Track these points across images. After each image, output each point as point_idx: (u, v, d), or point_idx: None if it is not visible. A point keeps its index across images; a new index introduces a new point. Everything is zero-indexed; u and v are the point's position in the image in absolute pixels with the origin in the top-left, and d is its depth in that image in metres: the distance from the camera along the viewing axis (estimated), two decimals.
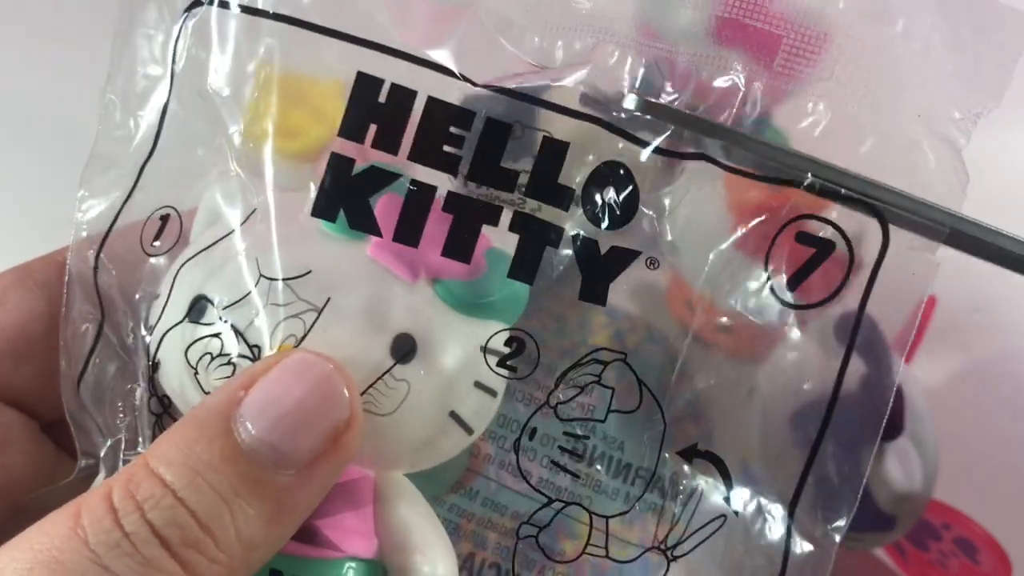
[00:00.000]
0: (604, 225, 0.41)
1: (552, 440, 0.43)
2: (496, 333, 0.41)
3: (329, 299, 0.39)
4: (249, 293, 0.40)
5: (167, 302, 0.42)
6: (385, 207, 0.40)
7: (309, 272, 0.40)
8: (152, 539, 0.34)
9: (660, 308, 0.45)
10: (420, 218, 0.40)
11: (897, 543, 0.74)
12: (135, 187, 0.44)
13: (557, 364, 0.42)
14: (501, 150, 0.40)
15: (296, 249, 0.40)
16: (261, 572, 0.37)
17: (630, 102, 0.41)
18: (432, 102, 0.40)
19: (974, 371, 0.81)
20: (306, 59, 0.42)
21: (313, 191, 0.41)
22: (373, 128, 0.40)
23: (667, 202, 0.42)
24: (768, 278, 0.42)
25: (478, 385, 0.41)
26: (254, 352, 0.39)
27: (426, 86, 0.40)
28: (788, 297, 0.42)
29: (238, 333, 0.39)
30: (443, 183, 0.41)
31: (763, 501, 0.43)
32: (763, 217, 0.42)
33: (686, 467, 0.43)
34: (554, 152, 0.41)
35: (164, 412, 0.42)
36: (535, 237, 0.41)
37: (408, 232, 0.40)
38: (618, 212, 0.41)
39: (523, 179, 0.41)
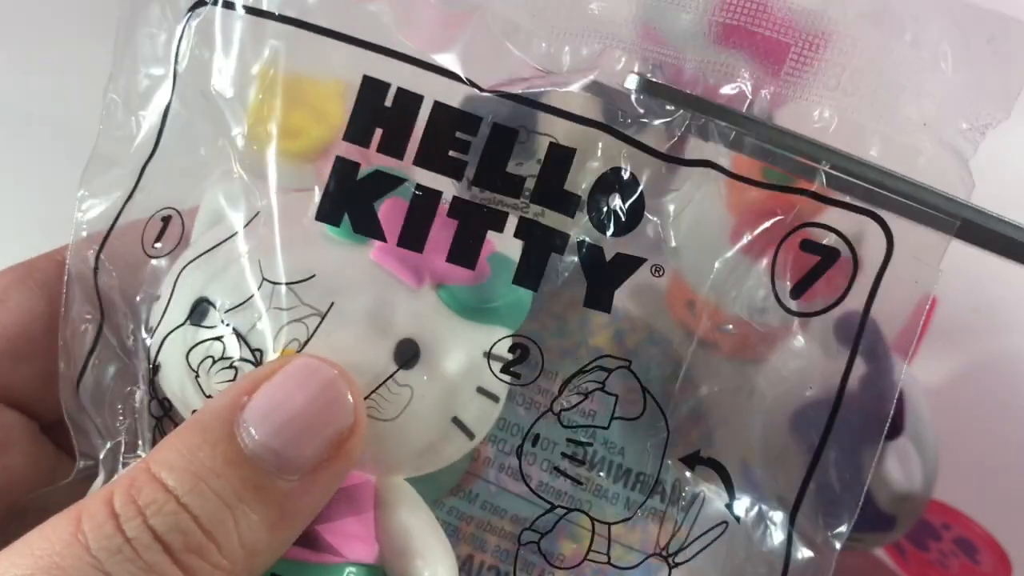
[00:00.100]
0: (609, 232, 0.41)
1: (554, 445, 0.43)
2: (500, 340, 0.41)
3: (333, 304, 0.39)
4: (252, 296, 0.39)
5: (168, 304, 0.41)
6: (389, 211, 0.40)
7: (313, 276, 0.39)
8: (154, 545, 0.34)
9: (660, 309, 0.45)
10: (425, 223, 0.40)
11: (897, 543, 0.74)
12: (136, 187, 0.44)
13: (560, 369, 0.42)
14: (507, 155, 0.40)
15: (300, 253, 0.40)
16: None
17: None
18: (438, 107, 0.40)
19: (974, 371, 0.81)
20: (311, 62, 0.42)
21: (317, 194, 0.40)
22: (379, 132, 0.40)
23: (671, 208, 0.42)
24: (772, 285, 0.42)
25: (481, 391, 0.41)
26: (256, 356, 0.39)
27: (432, 91, 0.40)
28: (792, 305, 0.42)
29: (240, 337, 0.39)
30: (448, 188, 0.40)
31: (764, 507, 0.43)
32: (768, 224, 0.42)
33: (688, 473, 0.43)
34: (560, 158, 0.41)
35: (164, 415, 0.42)
36: (540, 243, 0.41)
37: (413, 237, 0.40)
38: (623, 219, 0.41)
39: (529, 184, 0.40)
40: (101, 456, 0.43)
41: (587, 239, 0.41)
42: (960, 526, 0.73)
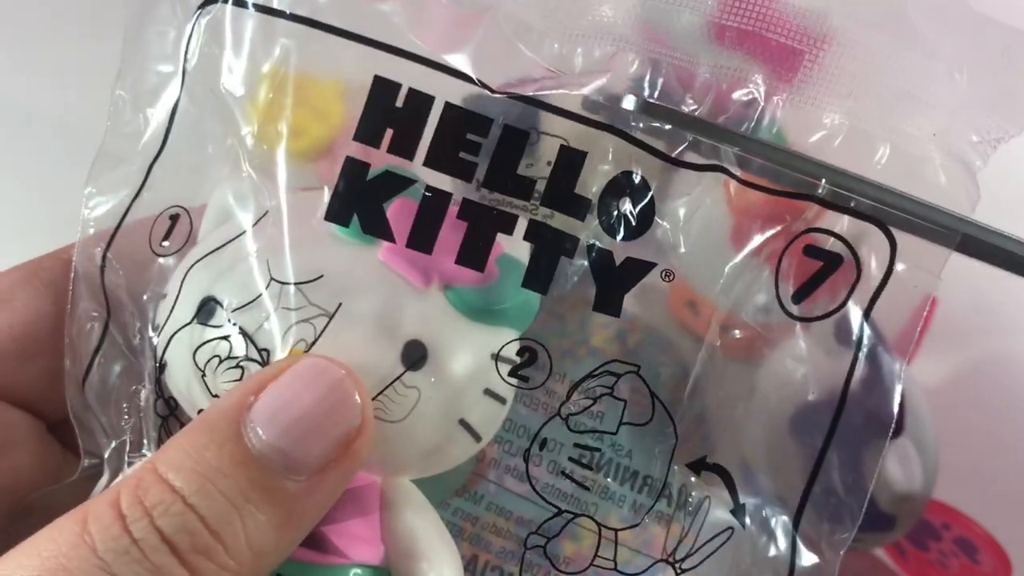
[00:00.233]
0: (620, 236, 0.41)
1: (561, 447, 0.43)
2: (509, 343, 0.41)
3: (340, 304, 0.39)
4: (259, 296, 0.39)
5: (175, 303, 0.41)
6: (398, 212, 0.40)
7: (321, 276, 0.39)
8: (161, 546, 0.34)
9: (661, 309, 0.45)
10: (434, 225, 0.40)
11: (897, 543, 0.74)
12: (144, 185, 0.43)
13: (567, 370, 0.42)
14: (518, 157, 0.40)
15: (308, 253, 0.40)
16: None
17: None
18: (450, 108, 0.40)
19: (974, 371, 0.81)
20: (322, 61, 0.41)
21: (327, 194, 0.40)
22: (389, 132, 0.40)
23: (682, 212, 0.41)
24: (776, 290, 0.42)
25: (488, 393, 0.41)
26: (263, 356, 0.39)
27: (443, 91, 0.40)
28: (794, 309, 0.42)
29: (247, 336, 0.39)
30: (457, 189, 0.40)
31: (768, 513, 0.43)
32: (776, 229, 0.42)
33: (693, 479, 0.43)
34: (571, 161, 0.40)
35: (170, 414, 0.42)
36: (550, 247, 0.41)
37: (422, 238, 0.40)
38: (634, 223, 0.41)
39: (539, 186, 0.40)
40: (106, 455, 0.43)
41: (597, 243, 0.41)
42: (960, 526, 0.73)
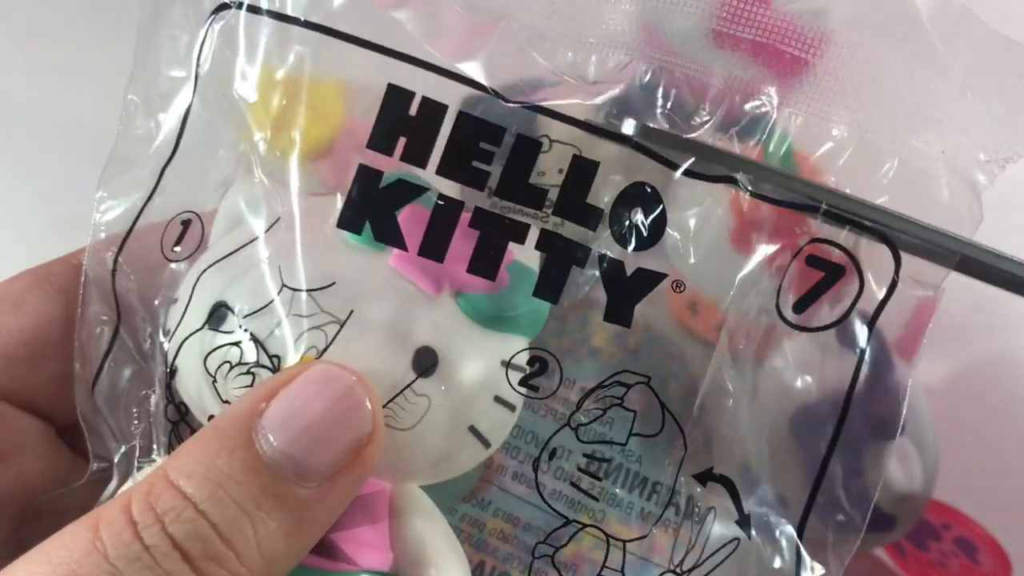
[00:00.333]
0: (631, 247, 0.41)
1: (569, 453, 0.43)
2: (519, 351, 0.41)
3: (352, 312, 0.39)
4: (271, 302, 0.39)
5: (187, 308, 0.41)
6: (410, 219, 0.40)
7: (333, 284, 0.39)
8: (173, 552, 0.34)
9: (661, 310, 0.45)
10: (446, 233, 0.40)
11: (897, 543, 0.74)
12: (155, 190, 0.43)
13: (572, 374, 0.42)
14: (531, 167, 0.40)
15: (320, 260, 0.40)
16: None
17: (628, 127, 0.40)
18: (463, 117, 0.40)
19: (974, 371, 0.81)
20: (335, 68, 0.41)
21: (339, 201, 0.40)
22: (402, 141, 0.40)
23: (692, 223, 0.41)
24: (778, 299, 0.42)
25: (498, 400, 0.41)
26: (274, 362, 0.39)
27: (457, 100, 0.40)
28: (796, 319, 0.42)
29: (258, 342, 0.39)
30: (469, 198, 0.40)
31: (773, 524, 0.43)
32: (784, 241, 0.42)
33: (699, 489, 0.43)
34: (583, 171, 0.41)
35: (181, 420, 0.42)
36: (561, 256, 0.41)
37: (434, 247, 0.40)
38: (645, 233, 0.41)
39: (552, 195, 0.40)
40: (115, 460, 0.43)
41: (608, 253, 0.41)
42: (960, 526, 0.73)
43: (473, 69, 0.40)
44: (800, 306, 0.42)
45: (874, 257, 0.41)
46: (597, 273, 0.41)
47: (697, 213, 0.42)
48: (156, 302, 0.43)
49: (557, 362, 0.41)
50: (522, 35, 0.41)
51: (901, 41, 0.40)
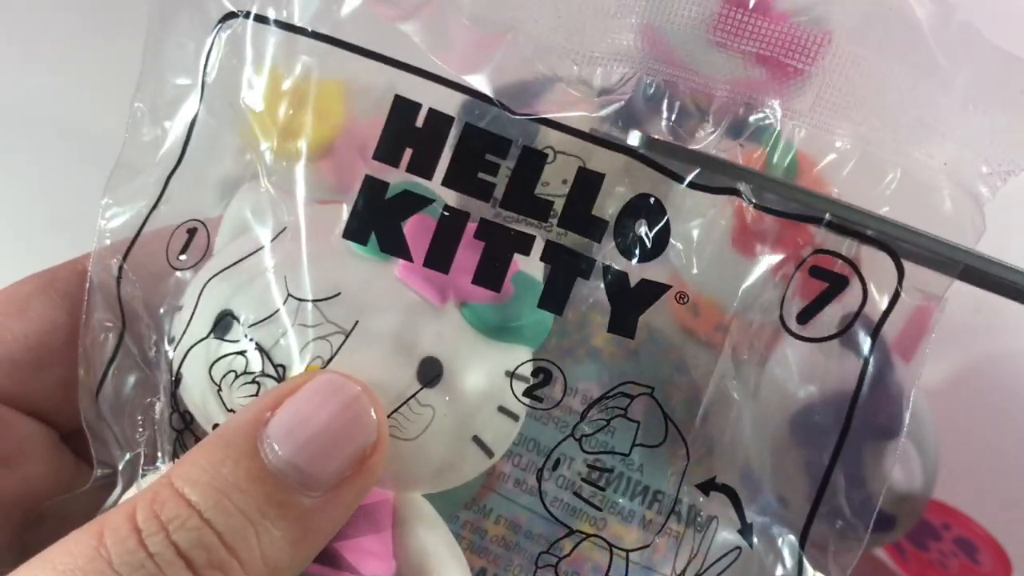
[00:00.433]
0: (635, 258, 0.41)
1: (571, 461, 0.43)
2: (524, 362, 0.41)
3: (357, 322, 0.39)
4: (277, 312, 0.39)
5: (192, 316, 0.41)
6: (415, 229, 0.40)
7: (338, 294, 0.39)
8: (177, 561, 0.34)
9: (662, 311, 0.45)
10: (452, 244, 0.40)
11: (897, 543, 0.74)
12: (161, 198, 0.43)
13: (577, 378, 0.42)
14: (536, 178, 0.40)
15: (325, 270, 0.40)
16: None
17: (633, 139, 0.41)
18: (469, 129, 0.40)
19: (974, 371, 0.81)
20: (344, 79, 0.41)
21: (345, 211, 0.40)
22: (408, 152, 0.40)
23: (696, 234, 0.42)
24: (781, 309, 0.42)
25: (502, 410, 0.41)
26: (279, 372, 0.39)
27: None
28: (800, 330, 0.42)
29: (263, 352, 0.39)
30: (475, 209, 0.41)
31: (775, 533, 0.43)
32: (788, 252, 0.42)
33: (702, 499, 0.43)
34: (588, 183, 0.41)
35: (185, 428, 0.42)
36: (566, 267, 0.41)
37: (439, 258, 0.40)
38: (649, 245, 0.41)
39: (557, 207, 0.40)
40: (120, 467, 0.43)
41: (613, 265, 0.41)
42: (960, 526, 0.73)
43: (480, 81, 0.40)
44: (804, 316, 0.42)
45: (877, 267, 0.41)
46: (601, 285, 0.41)
47: (701, 224, 0.42)
48: (161, 310, 0.43)
49: (561, 372, 0.42)
50: (528, 48, 0.41)
51: (904, 54, 0.40)
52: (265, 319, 0.39)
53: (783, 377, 0.44)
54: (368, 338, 0.39)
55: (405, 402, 0.39)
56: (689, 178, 0.41)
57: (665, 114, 0.41)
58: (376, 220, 0.40)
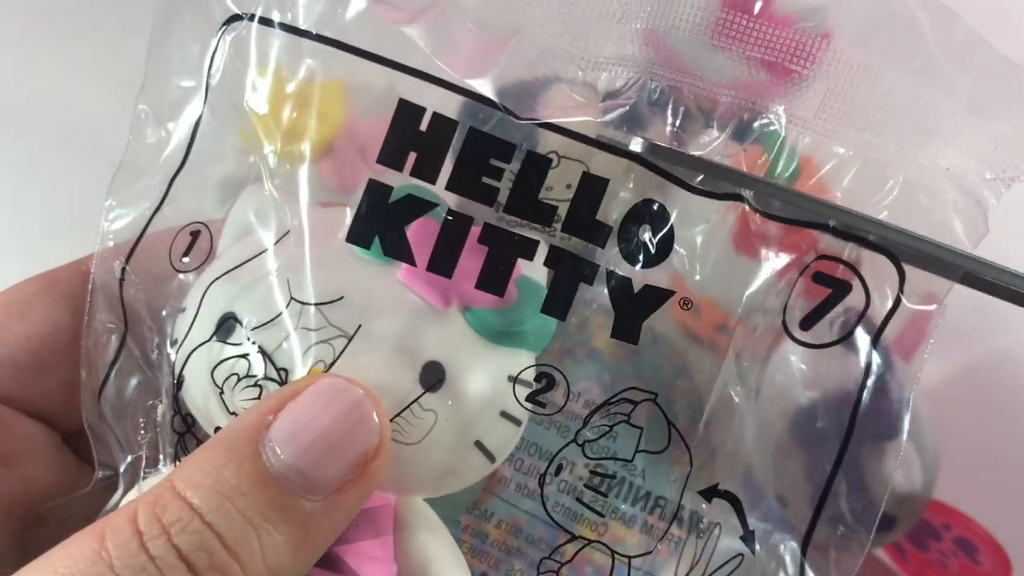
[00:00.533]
0: (639, 264, 0.41)
1: (573, 466, 0.43)
2: (527, 367, 0.41)
3: (360, 326, 0.39)
4: (279, 315, 0.39)
5: (195, 319, 0.41)
6: (419, 233, 0.40)
7: (341, 298, 0.39)
8: (179, 564, 0.34)
9: (664, 314, 0.45)
10: (455, 248, 0.40)
11: (897, 543, 0.74)
12: (164, 199, 0.43)
13: (578, 379, 0.42)
14: (541, 183, 0.40)
15: (329, 273, 0.40)
16: None
17: (637, 145, 0.40)
18: (473, 133, 0.40)
19: (974, 371, 0.81)
20: (346, 82, 0.41)
21: (349, 215, 0.40)
22: (412, 156, 0.40)
23: (699, 240, 0.42)
24: (784, 315, 0.42)
25: (504, 415, 0.41)
26: (281, 375, 0.39)
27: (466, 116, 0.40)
28: (803, 336, 0.42)
29: (266, 355, 0.39)
30: (479, 213, 0.40)
31: (777, 540, 0.43)
32: (791, 258, 0.42)
33: (704, 505, 0.43)
34: (592, 188, 0.41)
35: (187, 431, 0.42)
36: (569, 272, 0.41)
37: (442, 262, 0.40)
38: (653, 251, 0.41)
39: (561, 212, 0.40)
40: (121, 469, 0.43)
41: (616, 270, 0.41)
42: (960, 526, 0.73)
43: (484, 86, 0.40)
44: (807, 322, 0.42)
45: (879, 272, 0.41)
46: (605, 290, 0.41)
47: (704, 229, 0.42)
48: (164, 312, 0.43)
49: (564, 377, 0.41)
50: (533, 52, 0.41)
51: (908, 60, 0.40)
52: (268, 322, 0.39)
53: (785, 383, 0.44)
54: (371, 342, 0.39)
55: (407, 406, 0.39)
56: (693, 183, 0.41)
57: (669, 119, 0.41)
58: (380, 224, 0.40)
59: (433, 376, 0.39)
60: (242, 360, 0.39)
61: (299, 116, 0.41)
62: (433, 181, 0.40)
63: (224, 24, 0.42)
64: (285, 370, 0.39)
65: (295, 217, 0.41)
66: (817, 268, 0.42)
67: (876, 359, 0.42)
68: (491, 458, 0.41)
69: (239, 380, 0.39)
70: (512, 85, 0.41)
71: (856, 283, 0.42)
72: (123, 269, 0.44)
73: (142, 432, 0.43)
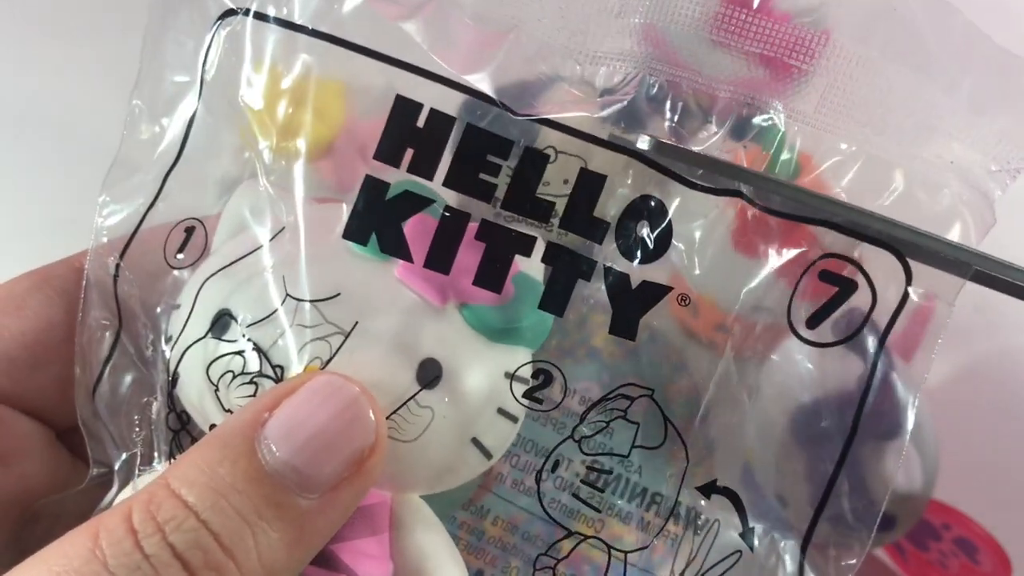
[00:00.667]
0: (636, 260, 0.41)
1: (570, 463, 0.43)
2: (524, 364, 0.41)
3: (357, 322, 0.39)
4: (275, 312, 0.39)
5: (190, 316, 0.41)
6: (416, 229, 0.40)
7: (338, 294, 0.39)
8: (173, 562, 0.33)
9: (662, 310, 0.45)
10: (452, 245, 0.40)
11: (897, 543, 0.74)
12: (159, 195, 0.43)
13: (578, 379, 0.42)
14: (538, 179, 0.40)
15: (325, 270, 0.40)
16: None
17: (643, 143, 0.40)
18: (470, 129, 0.40)
19: (974, 371, 0.81)
20: (343, 78, 0.41)
21: (345, 212, 0.40)
22: (410, 152, 0.40)
23: (698, 235, 0.41)
24: (789, 314, 0.42)
25: (501, 412, 0.41)
26: (277, 372, 0.39)
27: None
28: (808, 335, 0.42)
29: (261, 352, 0.39)
30: (476, 210, 0.40)
31: (777, 537, 0.43)
32: (792, 255, 0.42)
33: (703, 502, 0.43)
34: (590, 184, 0.40)
35: (182, 428, 0.42)
36: (567, 269, 0.41)
37: (439, 259, 0.40)
38: (651, 247, 0.41)
39: (558, 208, 0.40)
40: (116, 466, 0.43)
41: (614, 266, 0.41)
42: (960, 526, 0.73)
43: (481, 81, 0.40)
44: (814, 321, 0.42)
45: (885, 270, 0.41)
46: (603, 286, 0.41)
47: (702, 225, 0.42)
48: (158, 308, 0.43)
49: (561, 374, 0.41)
50: (531, 47, 0.41)
51: (908, 56, 0.40)
52: (263, 319, 0.39)
53: (789, 380, 0.44)
54: (367, 339, 0.39)
55: (404, 403, 0.39)
56: (692, 179, 0.41)
57: (668, 114, 0.41)
58: (376, 220, 0.40)
59: (430, 373, 0.39)
60: (237, 357, 0.39)
61: (295, 112, 0.41)
62: (430, 177, 0.40)
63: (219, 19, 0.42)
64: (281, 367, 0.39)
65: (290, 213, 0.41)
66: (823, 266, 0.41)
67: (882, 358, 0.42)
68: (488, 455, 0.41)
69: (234, 377, 0.39)
70: (512, 86, 0.41)
71: (863, 282, 0.41)
72: (117, 265, 0.44)
73: (137, 429, 0.43)
